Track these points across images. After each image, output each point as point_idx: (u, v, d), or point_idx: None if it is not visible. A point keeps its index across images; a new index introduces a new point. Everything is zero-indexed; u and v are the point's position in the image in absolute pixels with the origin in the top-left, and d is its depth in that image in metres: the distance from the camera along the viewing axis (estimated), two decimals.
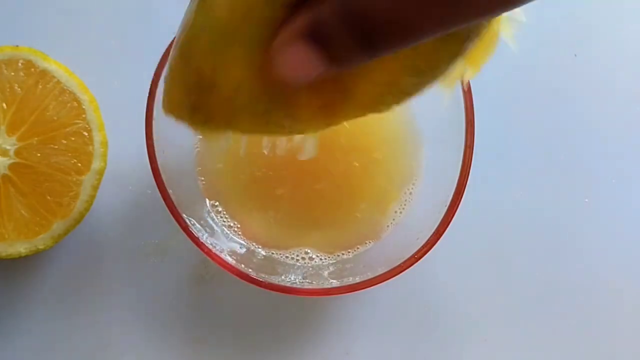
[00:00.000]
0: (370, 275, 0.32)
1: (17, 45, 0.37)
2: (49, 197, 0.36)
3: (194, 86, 0.21)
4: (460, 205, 0.32)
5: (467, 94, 0.32)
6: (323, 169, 0.38)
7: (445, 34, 0.18)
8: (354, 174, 0.38)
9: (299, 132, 0.24)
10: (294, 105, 0.22)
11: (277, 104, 0.22)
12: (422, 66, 0.21)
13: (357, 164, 0.38)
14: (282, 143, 0.37)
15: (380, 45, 0.18)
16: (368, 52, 0.18)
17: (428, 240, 0.32)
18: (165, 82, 0.22)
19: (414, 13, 0.17)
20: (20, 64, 0.36)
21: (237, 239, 0.37)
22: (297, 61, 0.19)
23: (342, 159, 0.38)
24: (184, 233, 0.32)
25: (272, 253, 0.37)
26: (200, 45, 0.20)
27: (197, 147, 0.37)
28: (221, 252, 0.32)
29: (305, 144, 0.31)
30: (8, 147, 0.36)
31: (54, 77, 0.37)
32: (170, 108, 0.23)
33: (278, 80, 0.20)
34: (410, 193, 0.37)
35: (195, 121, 0.22)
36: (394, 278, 0.31)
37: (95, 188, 0.37)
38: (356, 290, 0.31)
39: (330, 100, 0.22)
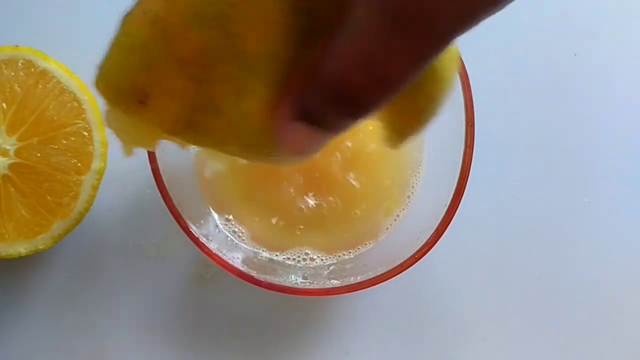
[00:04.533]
0: (370, 275, 0.32)
1: (17, 45, 0.37)
2: (49, 197, 0.36)
3: (198, 106, 0.20)
4: (460, 205, 0.32)
5: (467, 93, 0.32)
6: (324, 169, 0.38)
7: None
8: (355, 176, 0.38)
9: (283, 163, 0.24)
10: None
11: (274, 143, 0.21)
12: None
13: (358, 166, 0.38)
14: None
15: (364, 112, 0.19)
16: (355, 117, 0.19)
17: (428, 240, 0.32)
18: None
19: (380, 67, 0.17)
20: (20, 64, 0.36)
21: (237, 239, 0.37)
22: (298, 140, 0.20)
23: (343, 160, 0.38)
24: (184, 233, 0.32)
25: (273, 253, 0.37)
26: (219, 72, 0.19)
27: (197, 147, 0.37)
28: (221, 252, 0.32)
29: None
30: (8, 147, 0.36)
31: (54, 77, 0.37)
32: (156, 116, 0.21)
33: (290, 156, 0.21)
34: (411, 193, 0.37)
35: (185, 136, 0.21)
36: (394, 278, 0.31)
37: (95, 188, 0.37)
38: (356, 290, 0.31)
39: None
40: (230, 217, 0.37)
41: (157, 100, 0.20)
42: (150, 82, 0.19)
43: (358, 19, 0.17)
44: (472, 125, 0.32)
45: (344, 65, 0.18)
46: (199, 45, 0.19)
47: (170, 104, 0.20)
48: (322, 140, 0.20)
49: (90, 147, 0.37)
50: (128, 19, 0.20)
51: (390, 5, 0.16)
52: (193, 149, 0.37)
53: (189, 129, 0.20)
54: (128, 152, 0.24)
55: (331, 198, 0.37)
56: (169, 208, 0.32)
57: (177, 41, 0.19)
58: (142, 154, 0.31)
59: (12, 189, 0.36)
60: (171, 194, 0.32)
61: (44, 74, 0.37)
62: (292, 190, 0.37)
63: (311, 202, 0.37)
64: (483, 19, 0.17)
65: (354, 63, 0.18)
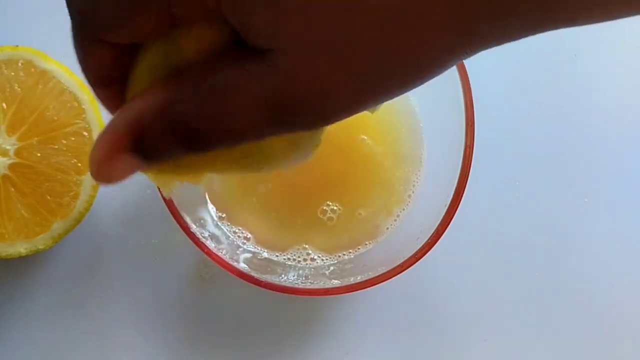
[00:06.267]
0: (370, 275, 0.32)
1: (17, 45, 0.37)
2: (49, 197, 0.36)
3: None
4: (460, 205, 0.32)
5: (467, 93, 0.32)
6: (325, 170, 0.38)
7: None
8: (356, 176, 0.38)
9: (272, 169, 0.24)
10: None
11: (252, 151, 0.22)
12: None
13: (359, 166, 0.38)
14: None
15: (203, 149, 0.19)
16: (189, 152, 0.19)
17: (428, 240, 0.32)
18: None
19: (231, 124, 0.18)
20: (20, 64, 0.36)
21: (237, 239, 0.37)
22: (118, 171, 0.20)
23: (344, 161, 0.38)
24: (184, 233, 0.32)
25: (273, 253, 0.37)
26: None
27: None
28: (221, 252, 0.32)
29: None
30: (8, 147, 0.36)
31: (54, 77, 0.37)
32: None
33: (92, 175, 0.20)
34: (411, 193, 0.37)
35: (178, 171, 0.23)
36: (394, 278, 0.31)
37: (95, 188, 0.37)
38: (356, 290, 0.31)
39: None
40: (231, 217, 0.37)
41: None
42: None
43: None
44: (472, 125, 0.32)
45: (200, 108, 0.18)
46: None
47: None
48: (136, 171, 0.20)
49: (90, 147, 0.37)
50: None
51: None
52: None
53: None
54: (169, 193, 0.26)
55: (334, 199, 0.37)
56: (169, 208, 0.32)
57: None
58: None
59: (12, 189, 0.36)
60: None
61: (44, 74, 0.37)
62: (293, 190, 0.37)
63: (313, 202, 0.37)
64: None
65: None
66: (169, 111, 0.18)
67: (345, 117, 0.19)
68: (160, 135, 0.19)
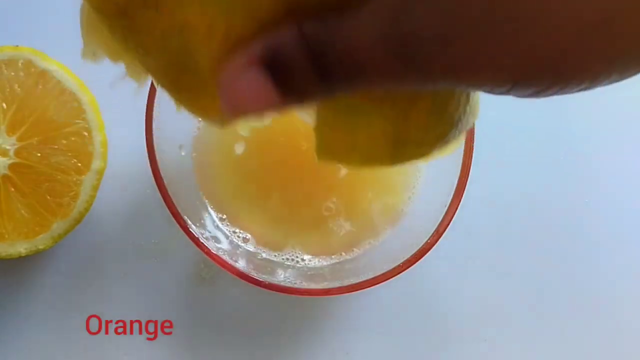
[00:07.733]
0: (370, 275, 0.32)
1: (17, 45, 0.37)
2: (49, 197, 0.36)
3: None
4: (460, 206, 0.32)
5: None
6: (326, 170, 0.38)
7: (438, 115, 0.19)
8: (356, 175, 0.38)
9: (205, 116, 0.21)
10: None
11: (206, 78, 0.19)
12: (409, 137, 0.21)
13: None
14: (286, 144, 0.37)
15: (338, 83, 0.17)
16: (325, 87, 0.17)
17: (428, 240, 0.32)
18: None
19: (378, 59, 0.16)
20: (20, 64, 0.36)
21: (237, 239, 0.37)
22: (249, 91, 0.17)
23: None
24: (184, 233, 0.32)
25: (272, 254, 0.37)
26: None
27: (195, 145, 0.37)
28: (221, 252, 0.32)
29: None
30: (8, 147, 0.36)
31: (54, 77, 0.37)
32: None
33: (223, 108, 0.18)
34: (411, 194, 0.37)
35: (117, 26, 0.20)
36: (394, 278, 0.31)
37: (95, 188, 0.37)
38: (356, 290, 0.31)
39: None
40: (231, 217, 0.37)
41: None
42: None
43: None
44: (472, 125, 0.32)
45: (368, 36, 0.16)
46: None
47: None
48: (271, 102, 0.17)
49: (90, 147, 0.37)
50: None
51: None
52: (193, 146, 0.37)
53: (122, 18, 0.19)
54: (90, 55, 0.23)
55: (333, 199, 0.37)
56: (169, 208, 0.32)
57: None
58: (142, 154, 0.31)
59: (12, 189, 0.36)
60: (171, 194, 0.32)
61: (44, 74, 0.37)
62: (293, 191, 0.37)
63: (312, 203, 0.37)
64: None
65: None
66: (307, 40, 0.17)
67: (475, 84, 0.17)
68: (299, 56, 0.17)
